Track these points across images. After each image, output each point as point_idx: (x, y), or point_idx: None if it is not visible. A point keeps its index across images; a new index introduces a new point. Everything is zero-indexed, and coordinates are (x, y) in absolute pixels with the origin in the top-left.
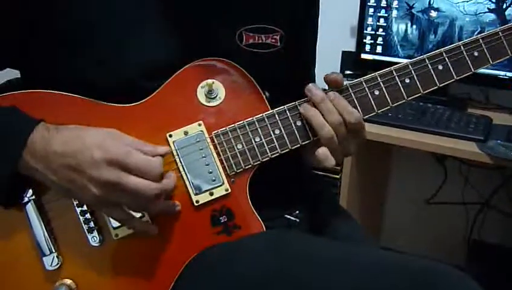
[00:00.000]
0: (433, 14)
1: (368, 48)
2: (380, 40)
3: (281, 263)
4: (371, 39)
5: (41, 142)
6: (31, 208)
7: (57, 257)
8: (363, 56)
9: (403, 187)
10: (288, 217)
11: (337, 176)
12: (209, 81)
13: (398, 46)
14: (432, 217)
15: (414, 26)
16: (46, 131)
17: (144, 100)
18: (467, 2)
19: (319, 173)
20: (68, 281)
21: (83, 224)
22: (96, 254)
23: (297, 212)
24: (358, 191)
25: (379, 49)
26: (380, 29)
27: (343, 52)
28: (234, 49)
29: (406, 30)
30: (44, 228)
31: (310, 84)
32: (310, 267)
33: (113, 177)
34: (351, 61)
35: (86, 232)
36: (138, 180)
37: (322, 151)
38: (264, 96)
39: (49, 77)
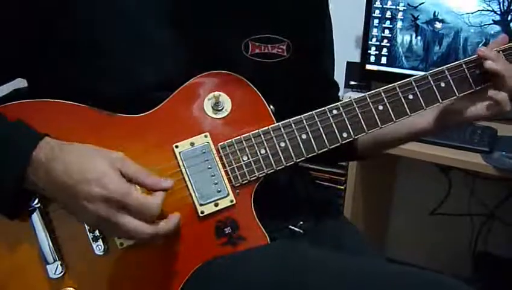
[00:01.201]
0: (438, 25)
1: (372, 58)
2: (384, 51)
3: (286, 275)
4: (375, 50)
5: (44, 164)
6: (36, 217)
7: (60, 265)
8: (368, 67)
9: (407, 198)
10: (293, 228)
11: (342, 187)
12: (216, 93)
13: (403, 57)
14: (436, 228)
15: (419, 38)
16: (50, 150)
17: (151, 111)
18: (472, 13)
19: (324, 183)
20: None
21: (88, 233)
22: (101, 263)
23: (301, 223)
24: (362, 202)
25: (384, 60)
26: (385, 40)
27: (348, 63)
28: (240, 59)
29: (411, 41)
30: (48, 236)
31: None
32: (315, 279)
33: (108, 215)
34: (356, 72)
35: (91, 241)
36: (132, 222)
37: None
38: (270, 110)
39: (57, 86)
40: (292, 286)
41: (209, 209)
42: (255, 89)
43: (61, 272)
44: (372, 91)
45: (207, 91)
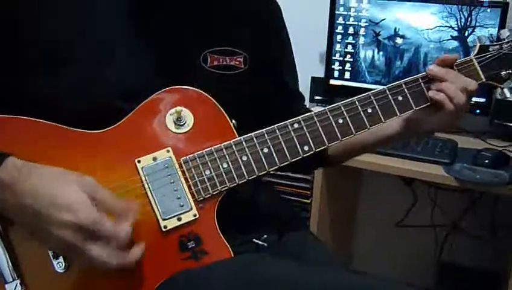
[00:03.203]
0: (399, 41)
1: (336, 74)
2: (348, 66)
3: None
4: (339, 65)
5: (9, 185)
6: None
7: (20, 284)
8: (332, 82)
9: (372, 211)
10: (257, 241)
11: (308, 200)
12: (178, 108)
13: (366, 72)
14: (401, 240)
15: (381, 53)
16: (17, 172)
17: (113, 126)
18: (431, 29)
19: (290, 197)
20: None
21: (49, 250)
22: (61, 280)
23: (265, 236)
24: (328, 215)
25: (347, 75)
26: (348, 56)
27: (313, 78)
28: (200, 71)
29: (373, 56)
30: (6, 254)
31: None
32: None
33: (76, 243)
34: (320, 86)
35: (51, 258)
36: (99, 252)
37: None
38: (232, 124)
39: (18, 100)
40: None
41: (172, 223)
42: (217, 104)
43: None
44: (332, 105)
45: (169, 106)
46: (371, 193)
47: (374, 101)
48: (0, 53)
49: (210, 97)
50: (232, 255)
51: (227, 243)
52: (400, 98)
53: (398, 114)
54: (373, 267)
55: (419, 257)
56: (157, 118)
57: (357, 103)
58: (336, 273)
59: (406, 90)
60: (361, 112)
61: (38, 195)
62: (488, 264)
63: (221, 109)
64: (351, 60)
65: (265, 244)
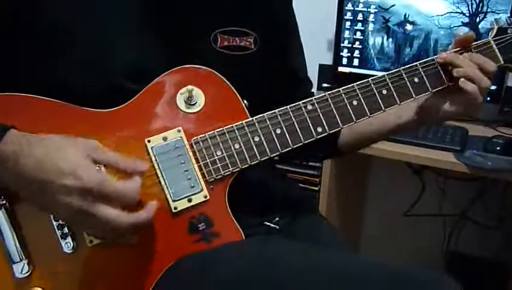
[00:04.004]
0: (409, 27)
1: (344, 61)
2: (356, 53)
3: (262, 271)
4: (347, 52)
5: (12, 157)
6: (1, 214)
7: (27, 264)
8: (340, 69)
9: (380, 200)
10: (268, 224)
11: (316, 188)
12: (189, 87)
13: (375, 59)
14: (409, 229)
15: (390, 40)
16: (18, 145)
17: (122, 105)
18: (442, 16)
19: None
20: None
21: (56, 230)
22: (69, 261)
23: (277, 219)
24: (336, 203)
25: (356, 62)
26: (357, 43)
27: (320, 66)
28: (210, 51)
29: (382, 43)
30: (14, 233)
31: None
32: (292, 274)
33: (85, 207)
34: (328, 74)
35: (59, 239)
36: (111, 212)
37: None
38: (243, 104)
39: (27, 79)
40: (269, 282)
41: (182, 205)
42: (229, 83)
43: (28, 271)
44: (346, 86)
45: (180, 85)
46: (379, 182)
47: (389, 82)
48: (7, 34)
49: (221, 76)
50: (244, 237)
51: (238, 225)
52: (416, 79)
53: (414, 96)
54: (380, 256)
55: (427, 247)
56: (168, 97)
57: (371, 84)
58: (351, 257)
59: (421, 71)
60: (376, 94)
61: (40, 166)
62: (496, 254)
63: (233, 88)
64: (360, 46)
65: (277, 227)
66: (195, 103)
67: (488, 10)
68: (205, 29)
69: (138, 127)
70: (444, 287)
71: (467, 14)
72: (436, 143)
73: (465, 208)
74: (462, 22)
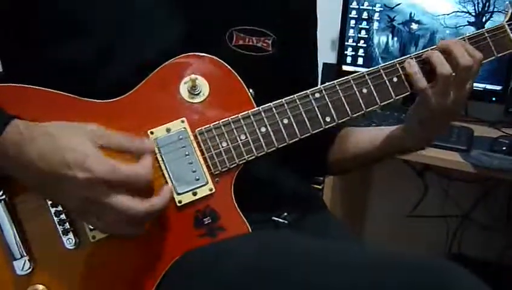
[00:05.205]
0: (414, 26)
1: (349, 59)
2: (361, 52)
3: (272, 264)
4: (352, 51)
5: (14, 148)
6: (1, 209)
7: (28, 260)
8: (345, 68)
9: (383, 201)
10: (277, 219)
11: (319, 187)
12: (193, 76)
13: (380, 58)
14: (412, 230)
15: (395, 39)
16: (19, 134)
17: (124, 96)
18: (448, 15)
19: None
20: (40, 287)
21: (58, 225)
22: (72, 257)
23: (285, 214)
24: (339, 203)
25: (360, 61)
26: (361, 41)
27: (324, 64)
28: (223, 48)
29: (387, 42)
30: (15, 230)
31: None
32: (304, 266)
33: (97, 198)
34: (332, 73)
35: (61, 234)
36: (124, 201)
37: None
38: (249, 94)
39: (35, 70)
40: (281, 275)
41: (187, 198)
42: (234, 72)
43: (29, 268)
44: (356, 74)
45: (183, 74)
46: (382, 183)
47: (399, 69)
48: (19, 22)
49: (226, 65)
50: (250, 230)
51: (244, 219)
52: (428, 67)
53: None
54: None
55: (430, 248)
56: (171, 86)
57: (382, 71)
58: (364, 248)
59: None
60: (387, 81)
61: (47, 158)
62: (499, 256)
63: (238, 77)
64: (365, 45)
65: (286, 222)
66: (199, 93)
67: (494, 10)
68: (221, 25)
69: (140, 118)
70: (461, 276)
71: (473, 14)
72: (442, 143)
73: (468, 209)
74: (468, 22)
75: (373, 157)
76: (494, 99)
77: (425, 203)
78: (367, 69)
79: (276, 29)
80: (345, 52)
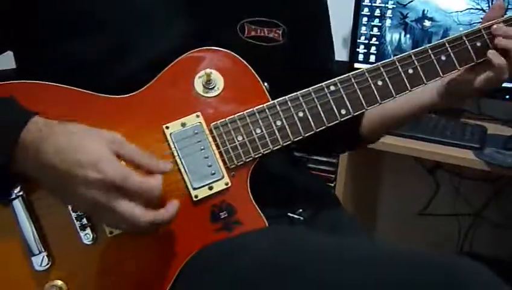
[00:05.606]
0: (427, 23)
1: (361, 57)
2: (373, 49)
3: (288, 260)
4: (364, 48)
5: (33, 144)
6: (18, 205)
7: (46, 256)
8: (356, 65)
9: (394, 199)
10: (292, 215)
11: (332, 184)
12: (207, 70)
13: (392, 56)
14: (423, 229)
15: (408, 36)
16: (39, 131)
17: (138, 91)
18: (461, 12)
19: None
20: (59, 283)
21: (75, 221)
22: (89, 252)
23: (300, 210)
24: (350, 201)
25: (372, 58)
26: (374, 39)
27: (336, 62)
28: (236, 41)
29: (400, 39)
30: (33, 225)
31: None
32: (319, 263)
33: (105, 200)
34: (343, 70)
35: (78, 230)
36: (131, 208)
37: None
38: (264, 87)
39: (47, 63)
40: (295, 266)
41: (203, 193)
42: (248, 65)
43: (48, 263)
44: (370, 66)
45: (197, 69)
46: (393, 181)
47: (415, 60)
48: (32, 17)
49: (241, 59)
50: (267, 224)
51: (261, 213)
52: (443, 57)
53: (442, 75)
54: None
55: (441, 246)
56: (185, 81)
57: (397, 63)
58: (379, 244)
59: (449, 49)
60: (402, 73)
61: (61, 155)
62: (511, 255)
63: (253, 71)
64: (377, 43)
65: (301, 218)
66: (214, 87)
67: (509, 6)
68: (233, 17)
69: (155, 113)
70: (475, 271)
71: (487, 10)
72: (455, 140)
73: (480, 208)
74: (481, 19)
75: (398, 118)
76: (507, 97)
77: (437, 202)
78: (383, 61)
79: (286, 19)
80: (357, 49)
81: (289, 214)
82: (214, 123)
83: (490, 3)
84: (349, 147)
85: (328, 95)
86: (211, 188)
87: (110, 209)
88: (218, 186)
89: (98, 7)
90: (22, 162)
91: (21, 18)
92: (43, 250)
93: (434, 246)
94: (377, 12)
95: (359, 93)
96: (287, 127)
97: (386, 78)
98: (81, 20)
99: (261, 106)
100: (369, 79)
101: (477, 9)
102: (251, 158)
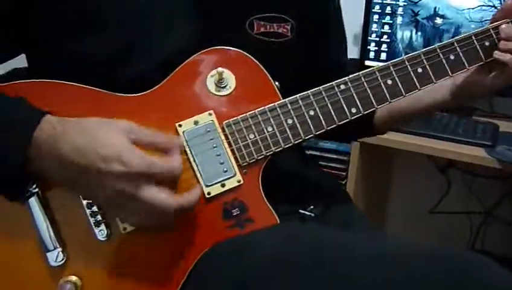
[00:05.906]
0: (439, 21)
1: (372, 55)
2: (384, 47)
3: (299, 257)
4: (375, 46)
5: (47, 142)
6: (34, 202)
7: (61, 252)
8: (367, 63)
9: (405, 197)
10: (303, 212)
11: (342, 182)
12: (219, 69)
13: (403, 53)
14: (434, 227)
15: (419, 33)
16: (52, 129)
17: (151, 90)
18: (473, 9)
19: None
20: (73, 278)
21: (90, 217)
22: (103, 248)
23: (311, 207)
24: (361, 199)
25: (383, 56)
26: (385, 36)
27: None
28: (245, 38)
29: (411, 37)
30: (48, 222)
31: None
32: (331, 260)
33: (132, 191)
34: (354, 68)
35: (93, 226)
36: (158, 195)
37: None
38: (275, 86)
39: (58, 62)
40: (306, 263)
41: (215, 190)
42: (259, 64)
43: (62, 259)
44: (380, 65)
45: (209, 68)
46: (404, 179)
47: (424, 60)
48: (33, 17)
49: (252, 57)
50: (278, 222)
51: (273, 210)
52: (452, 56)
53: (450, 74)
54: None
55: (452, 245)
56: (198, 80)
57: (406, 62)
58: (387, 240)
59: (458, 48)
60: (411, 72)
61: (79, 150)
62: None
63: (264, 69)
64: (388, 40)
65: (312, 215)
66: (226, 85)
67: None
68: (242, 15)
69: (168, 111)
70: (485, 265)
71: (499, 7)
72: (467, 138)
73: (491, 206)
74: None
75: (411, 114)
76: None
77: (448, 200)
78: (392, 61)
79: (294, 14)
80: (368, 47)
81: (300, 210)
82: (226, 121)
83: (502, 1)
84: (361, 136)
85: (339, 93)
86: (223, 186)
87: (138, 199)
88: (231, 184)
89: (102, 7)
90: (37, 161)
91: (21, 18)
92: (58, 246)
93: (445, 244)
94: (388, 9)
95: (369, 92)
96: (298, 125)
97: (396, 77)
98: (90, 20)
99: (273, 104)
100: (379, 78)
101: (488, 6)
102: (263, 156)
